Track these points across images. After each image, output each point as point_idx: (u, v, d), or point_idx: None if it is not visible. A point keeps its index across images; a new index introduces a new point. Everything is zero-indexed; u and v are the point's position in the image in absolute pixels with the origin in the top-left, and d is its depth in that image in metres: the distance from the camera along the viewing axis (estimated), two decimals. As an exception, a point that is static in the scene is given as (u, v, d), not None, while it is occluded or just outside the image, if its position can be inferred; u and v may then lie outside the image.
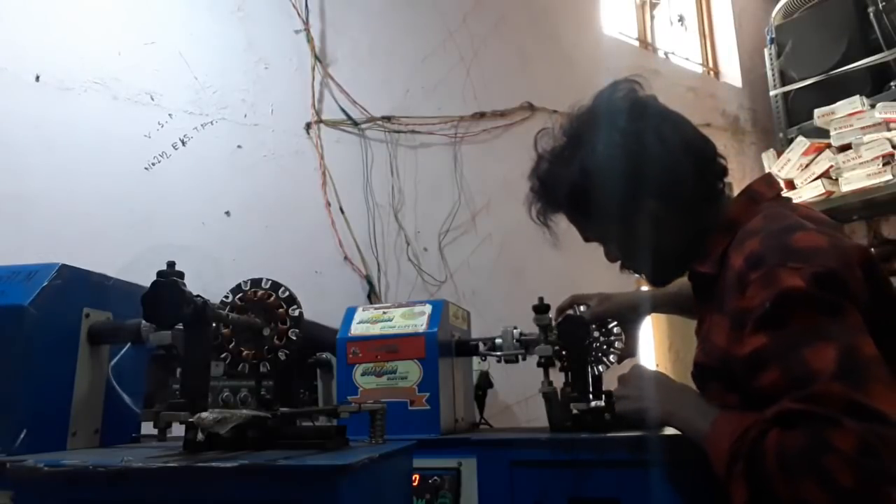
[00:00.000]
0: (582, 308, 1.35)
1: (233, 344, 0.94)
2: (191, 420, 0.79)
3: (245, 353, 0.94)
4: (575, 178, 1.06)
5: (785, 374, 0.77)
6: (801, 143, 3.02)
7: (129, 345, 0.98)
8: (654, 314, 1.56)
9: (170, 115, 2.05)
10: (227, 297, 0.97)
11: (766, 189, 1.06)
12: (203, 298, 0.85)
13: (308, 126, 2.29)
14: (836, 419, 0.71)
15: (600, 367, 1.30)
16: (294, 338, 0.95)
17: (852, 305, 0.79)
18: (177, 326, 0.89)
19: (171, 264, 0.86)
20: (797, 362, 0.76)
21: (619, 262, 1.16)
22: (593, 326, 1.31)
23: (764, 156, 3.35)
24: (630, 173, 1.01)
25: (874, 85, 3.03)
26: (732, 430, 0.82)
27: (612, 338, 1.31)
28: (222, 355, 0.94)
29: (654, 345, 2.93)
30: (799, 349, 0.76)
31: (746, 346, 0.82)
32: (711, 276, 1.00)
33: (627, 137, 1.01)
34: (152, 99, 2.04)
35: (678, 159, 1.01)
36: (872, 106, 2.84)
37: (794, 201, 1.08)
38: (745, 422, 0.81)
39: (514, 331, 1.32)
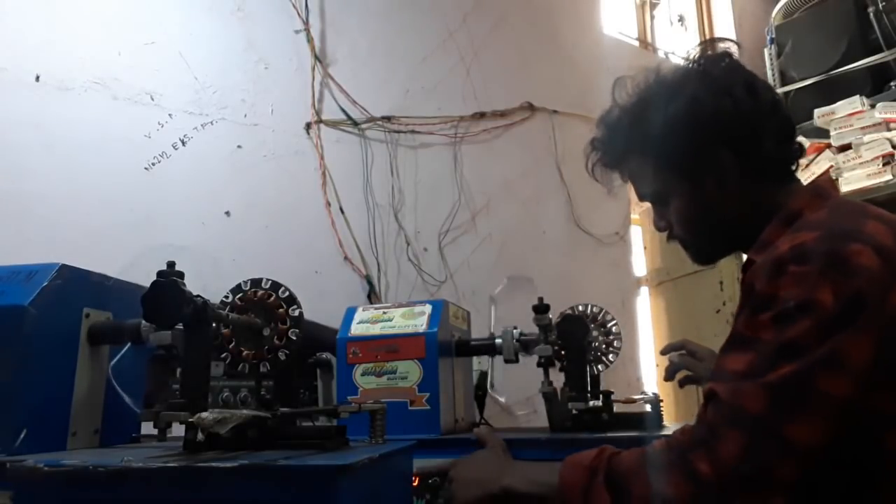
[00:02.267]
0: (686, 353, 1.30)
1: (233, 344, 0.94)
2: (191, 420, 0.79)
3: (245, 353, 0.94)
4: (655, 119, 0.99)
5: (748, 367, 0.76)
6: (801, 143, 3.01)
7: (128, 345, 0.98)
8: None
9: (170, 115, 2.05)
10: (227, 297, 0.97)
11: (831, 187, 1.00)
12: (203, 298, 0.85)
13: (308, 126, 2.29)
14: (717, 435, 0.73)
15: (599, 367, 1.30)
16: (294, 338, 0.95)
17: (865, 337, 0.73)
18: (177, 326, 0.89)
19: (171, 264, 0.86)
20: (765, 366, 0.75)
21: (663, 234, 1.08)
22: (592, 326, 1.30)
23: (764, 156, 3.35)
24: (712, 120, 0.95)
25: (874, 85, 3.03)
26: (586, 456, 0.83)
27: (611, 337, 1.31)
28: (222, 355, 0.94)
29: (655, 345, 2.93)
30: (777, 358, 0.74)
31: (759, 330, 0.78)
32: None
33: (717, 85, 0.96)
34: (152, 99, 2.04)
35: (765, 117, 0.96)
36: (872, 106, 2.84)
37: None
38: (597, 450, 0.83)
39: (514, 331, 1.32)
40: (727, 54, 1.04)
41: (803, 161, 3.28)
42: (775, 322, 0.76)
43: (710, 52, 1.06)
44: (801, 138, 3.26)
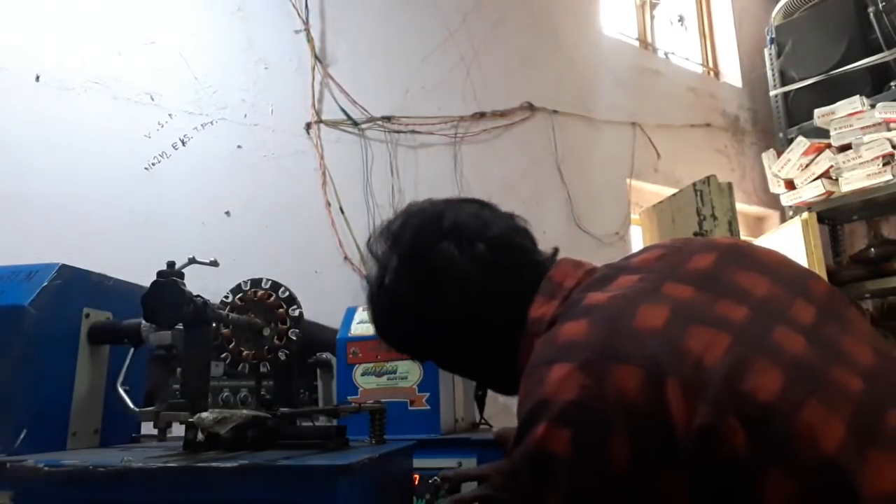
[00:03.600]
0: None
1: (233, 344, 0.94)
2: (191, 420, 0.79)
3: (245, 353, 0.94)
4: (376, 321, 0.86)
5: None
6: (801, 143, 3.02)
7: (132, 350, 0.98)
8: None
9: (170, 115, 2.05)
10: (227, 297, 0.97)
11: (563, 277, 0.78)
12: (203, 298, 0.85)
13: (308, 126, 2.29)
14: None
15: None
16: (294, 338, 0.95)
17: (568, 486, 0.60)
18: (177, 326, 0.89)
19: (170, 264, 0.86)
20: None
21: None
22: None
23: (764, 156, 3.35)
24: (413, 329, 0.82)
25: (874, 85, 3.03)
26: None
27: None
28: (222, 355, 0.94)
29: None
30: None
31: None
32: None
33: (407, 293, 0.79)
34: (152, 99, 2.04)
35: (462, 327, 0.79)
36: (872, 106, 2.84)
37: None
38: None
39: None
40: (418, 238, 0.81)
41: (803, 161, 3.28)
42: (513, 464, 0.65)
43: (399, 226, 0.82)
44: (800, 138, 3.26)
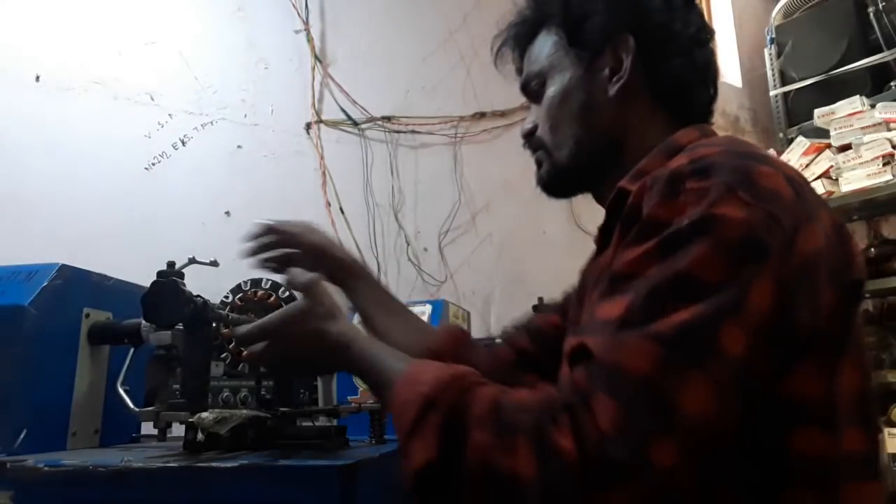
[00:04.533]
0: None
1: (233, 344, 0.94)
2: (191, 420, 0.79)
3: (245, 353, 0.94)
4: None
5: (627, 312, 0.54)
6: (801, 143, 3.02)
7: (132, 350, 0.98)
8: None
9: (170, 115, 2.05)
10: (227, 297, 0.97)
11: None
12: (203, 298, 0.85)
13: (308, 126, 2.29)
14: (590, 398, 0.51)
15: None
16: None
17: (769, 280, 0.54)
18: (176, 326, 0.89)
19: (170, 264, 0.86)
20: (652, 309, 0.53)
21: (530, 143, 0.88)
22: None
23: (764, 156, 3.35)
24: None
25: (874, 85, 3.03)
26: (436, 375, 0.59)
27: None
28: (222, 355, 0.94)
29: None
30: (666, 299, 0.54)
31: (642, 263, 0.57)
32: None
33: None
34: (152, 99, 2.04)
35: (685, 31, 0.78)
36: (872, 106, 2.84)
37: None
38: (460, 370, 0.60)
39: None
40: None
41: (803, 161, 3.28)
42: (663, 249, 0.56)
43: None
44: (800, 138, 3.25)
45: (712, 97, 0.82)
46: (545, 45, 0.83)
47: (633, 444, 0.49)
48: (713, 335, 0.52)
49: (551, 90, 0.81)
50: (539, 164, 0.85)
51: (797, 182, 0.61)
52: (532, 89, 0.85)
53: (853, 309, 0.63)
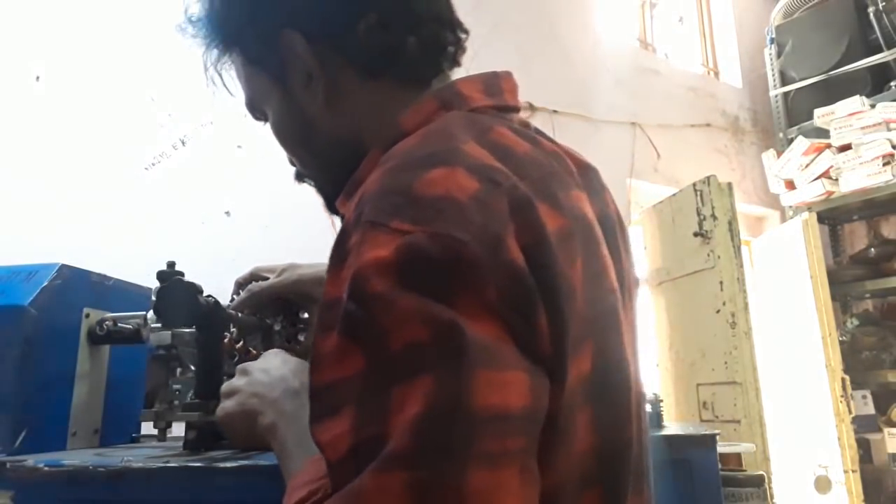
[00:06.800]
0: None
1: (241, 343, 0.94)
2: (194, 420, 0.79)
3: (254, 352, 0.94)
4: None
5: (356, 427, 0.41)
6: (801, 143, 3.02)
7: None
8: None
9: (169, 115, 2.05)
10: (233, 299, 0.97)
11: (478, 94, 0.66)
12: (214, 298, 0.85)
13: (308, 126, 2.29)
14: None
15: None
16: (302, 339, 0.96)
17: (480, 306, 0.42)
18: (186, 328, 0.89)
19: (171, 264, 0.86)
20: (375, 408, 0.41)
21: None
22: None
23: (764, 156, 3.35)
24: None
25: (874, 85, 3.04)
26: (309, 481, 0.51)
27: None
28: (231, 355, 0.94)
29: (656, 345, 2.93)
30: (382, 384, 0.41)
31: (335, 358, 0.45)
32: None
33: None
34: (152, 99, 2.04)
35: None
36: (872, 106, 2.85)
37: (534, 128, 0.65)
38: (320, 481, 0.50)
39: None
40: None
41: (803, 161, 3.28)
42: (346, 338, 0.44)
43: None
44: (800, 138, 3.25)
45: (438, 41, 0.71)
46: (239, 69, 0.73)
47: None
48: (460, 406, 0.39)
49: (272, 122, 0.71)
50: (317, 190, 0.76)
51: (486, 168, 0.47)
52: (262, 119, 0.74)
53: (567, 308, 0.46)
